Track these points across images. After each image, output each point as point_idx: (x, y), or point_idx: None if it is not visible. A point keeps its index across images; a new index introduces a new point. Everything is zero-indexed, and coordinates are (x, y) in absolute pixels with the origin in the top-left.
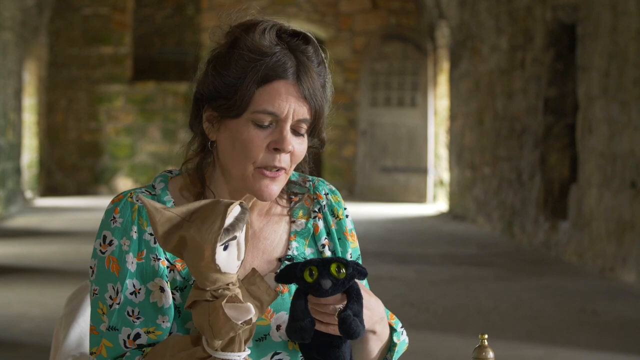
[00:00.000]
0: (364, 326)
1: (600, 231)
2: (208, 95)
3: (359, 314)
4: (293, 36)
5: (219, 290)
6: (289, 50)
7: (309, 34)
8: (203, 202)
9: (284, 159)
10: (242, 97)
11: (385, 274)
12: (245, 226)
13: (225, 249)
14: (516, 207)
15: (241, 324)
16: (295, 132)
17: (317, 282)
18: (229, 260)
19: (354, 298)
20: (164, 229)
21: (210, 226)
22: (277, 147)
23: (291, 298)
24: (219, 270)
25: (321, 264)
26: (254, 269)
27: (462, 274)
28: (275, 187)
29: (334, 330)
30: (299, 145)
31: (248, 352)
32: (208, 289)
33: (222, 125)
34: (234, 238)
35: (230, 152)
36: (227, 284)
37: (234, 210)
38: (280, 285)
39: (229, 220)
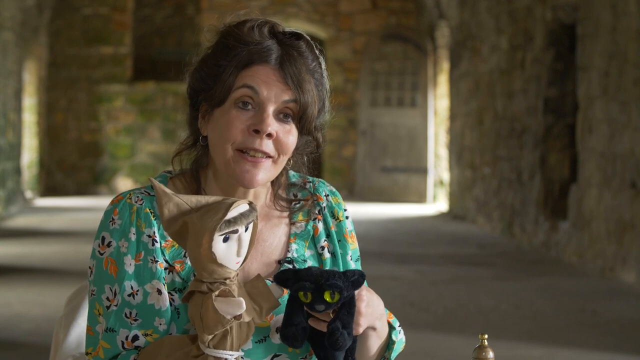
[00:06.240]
0: (351, 338)
1: (600, 231)
2: (197, 87)
3: (347, 326)
4: (287, 34)
5: (215, 284)
6: (278, 43)
7: (304, 34)
8: (215, 197)
9: (266, 144)
10: (224, 82)
11: (385, 274)
12: (252, 228)
13: (225, 240)
14: (516, 207)
15: (231, 318)
16: (280, 119)
17: (310, 304)
18: (228, 253)
19: (346, 307)
20: (170, 213)
21: (213, 216)
22: (257, 128)
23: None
24: (215, 261)
25: (315, 291)
26: (259, 275)
27: (462, 274)
28: (258, 174)
29: (324, 327)
30: (285, 134)
31: (241, 353)
32: (205, 280)
33: (210, 117)
34: (235, 232)
35: (215, 140)
36: (225, 279)
37: (241, 207)
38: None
39: (232, 213)
